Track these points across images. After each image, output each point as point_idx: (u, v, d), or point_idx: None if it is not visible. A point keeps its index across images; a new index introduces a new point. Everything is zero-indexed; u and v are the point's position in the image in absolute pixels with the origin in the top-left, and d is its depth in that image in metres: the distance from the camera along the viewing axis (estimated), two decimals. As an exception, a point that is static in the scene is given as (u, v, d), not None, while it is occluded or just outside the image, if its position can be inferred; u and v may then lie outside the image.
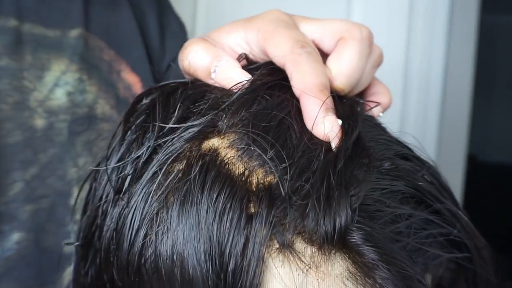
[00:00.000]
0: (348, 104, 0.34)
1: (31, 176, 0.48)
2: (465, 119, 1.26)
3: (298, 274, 0.26)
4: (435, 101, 1.22)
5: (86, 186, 0.38)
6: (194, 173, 0.28)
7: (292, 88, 0.32)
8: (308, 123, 0.30)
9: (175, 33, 0.65)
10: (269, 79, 0.33)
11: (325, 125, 0.29)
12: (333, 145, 0.29)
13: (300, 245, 0.27)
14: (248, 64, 0.37)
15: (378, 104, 0.38)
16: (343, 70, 0.35)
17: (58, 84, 0.51)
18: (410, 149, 0.33)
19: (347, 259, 0.27)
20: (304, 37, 0.36)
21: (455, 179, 1.19)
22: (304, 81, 0.32)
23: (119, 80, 0.55)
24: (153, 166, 0.30)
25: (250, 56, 0.37)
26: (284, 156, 0.28)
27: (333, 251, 0.27)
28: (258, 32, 0.36)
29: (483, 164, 2.79)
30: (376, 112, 0.38)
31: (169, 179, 0.29)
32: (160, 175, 0.29)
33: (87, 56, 0.53)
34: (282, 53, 0.34)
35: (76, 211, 0.46)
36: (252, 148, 0.28)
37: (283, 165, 0.28)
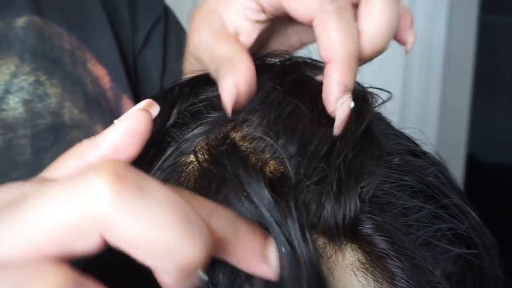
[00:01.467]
0: (361, 94, 0.33)
1: None
2: (465, 119, 1.26)
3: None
4: (435, 101, 1.22)
5: None
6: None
7: (319, 51, 0.29)
8: (326, 102, 0.29)
9: (149, 3, 0.54)
10: (281, 81, 0.32)
11: (337, 108, 0.28)
12: (335, 131, 0.29)
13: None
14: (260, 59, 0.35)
15: (386, 101, 0.35)
16: (376, 33, 0.30)
17: (9, 90, 0.41)
18: (418, 146, 0.33)
19: (358, 249, 0.27)
20: None
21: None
22: (332, 50, 0.28)
23: (85, 74, 0.45)
24: (166, 159, 0.29)
25: (258, 16, 0.32)
26: (295, 148, 0.28)
27: (344, 242, 0.27)
28: None
29: (483, 163, 2.79)
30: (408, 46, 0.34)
31: (184, 172, 0.29)
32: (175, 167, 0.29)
33: (44, 50, 0.43)
34: (307, 10, 0.29)
35: None
36: (265, 141, 0.29)
37: (295, 156, 0.28)
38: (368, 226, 0.27)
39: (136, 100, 0.50)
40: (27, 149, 0.41)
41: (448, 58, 1.23)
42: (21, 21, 0.43)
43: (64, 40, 0.45)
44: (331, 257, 0.26)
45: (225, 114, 0.30)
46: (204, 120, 0.30)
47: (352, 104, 0.29)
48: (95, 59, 0.47)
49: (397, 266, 0.26)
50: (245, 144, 0.29)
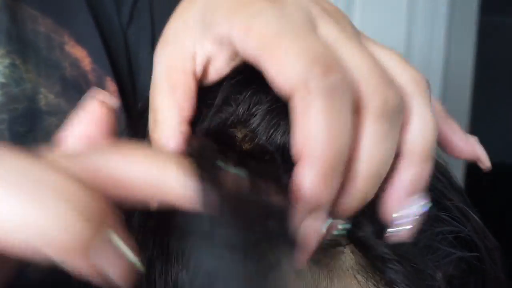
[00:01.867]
0: None
1: None
2: (465, 119, 1.26)
3: (310, 266, 0.26)
4: (435, 101, 1.22)
5: None
6: None
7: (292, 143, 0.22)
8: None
9: None
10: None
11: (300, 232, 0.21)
12: (298, 264, 0.23)
13: None
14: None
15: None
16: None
17: None
18: None
19: (358, 252, 0.27)
20: (327, 50, 0.22)
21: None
22: (307, 145, 0.20)
23: (63, 57, 0.44)
24: None
25: (216, 71, 0.26)
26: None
27: (344, 245, 0.27)
28: (249, 36, 0.22)
29: (483, 164, 2.78)
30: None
31: None
32: None
33: (17, 33, 0.42)
34: (287, 80, 0.21)
35: None
36: None
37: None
38: (367, 230, 0.26)
39: (131, 78, 0.48)
40: (5, 134, 0.40)
41: (448, 58, 1.23)
42: None
43: (38, 23, 0.43)
44: (330, 260, 0.26)
45: None
46: None
47: (324, 229, 0.23)
48: (74, 41, 0.45)
49: (397, 270, 0.26)
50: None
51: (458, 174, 1.23)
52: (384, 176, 0.23)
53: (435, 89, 1.22)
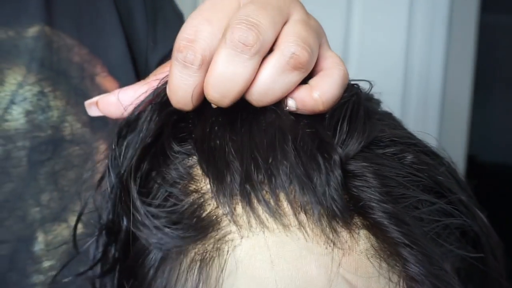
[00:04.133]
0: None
1: None
2: (465, 119, 1.26)
3: (326, 248, 0.27)
4: (435, 101, 1.22)
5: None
6: None
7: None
8: None
9: (169, 21, 0.52)
10: None
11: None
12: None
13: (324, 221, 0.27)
14: None
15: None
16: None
17: (14, 101, 0.41)
18: (428, 146, 0.34)
19: (371, 236, 0.28)
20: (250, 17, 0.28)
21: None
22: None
23: (93, 87, 0.45)
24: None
25: None
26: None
27: (358, 229, 0.27)
28: None
29: (483, 164, 2.79)
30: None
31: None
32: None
33: (51, 61, 0.43)
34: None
35: (41, 259, 0.39)
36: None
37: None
38: (380, 214, 0.27)
39: None
40: (23, 161, 0.40)
41: (448, 58, 1.23)
42: (32, 31, 0.42)
43: (73, 52, 0.44)
44: (346, 242, 0.27)
45: None
46: None
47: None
48: (107, 72, 0.46)
49: (409, 252, 0.27)
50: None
51: (458, 174, 1.23)
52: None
53: (435, 88, 1.22)
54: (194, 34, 0.28)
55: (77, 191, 0.35)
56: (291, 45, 0.28)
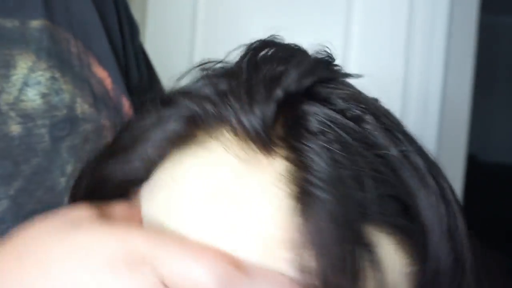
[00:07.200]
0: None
1: (16, 191, 0.42)
2: (465, 119, 1.26)
3: (238, 162, 0.29)
4: (435, 101, 1.22)
5: None
6: None
7: None
8: None
9: (130, 17, 0.58)
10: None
11: None
12: None
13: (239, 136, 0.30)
14: None
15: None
16: None
17: (28, 83, 0.45)
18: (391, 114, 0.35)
19: (287, 160, 0.29)
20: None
21: (455, 179, 1.19)
22: None
23: (91, 75, 0.50)
24: None
25: None
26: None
27: (277, 157, 0.29)
28: None
29: (483, 164, 2.79)
30: None
31: None
32: None
33: (56, 51, 0.47)
34: None
35: None
36: None
37: None
38: (307, 154, 0.28)
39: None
40: (45, 137, 0.45)
41: (448, 58, 1.23)
42: (35, 23, 0.46)
43: (71, 44, 0.49)
44: (259, 161, 0.29)
45: None
46: None
47: None
48: (97, 63, 0.51)
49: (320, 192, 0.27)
50: None
51: (458, 174, 1.23)
52: None
53: (435, 88, 1.23)
54: None
55: None
56: None
